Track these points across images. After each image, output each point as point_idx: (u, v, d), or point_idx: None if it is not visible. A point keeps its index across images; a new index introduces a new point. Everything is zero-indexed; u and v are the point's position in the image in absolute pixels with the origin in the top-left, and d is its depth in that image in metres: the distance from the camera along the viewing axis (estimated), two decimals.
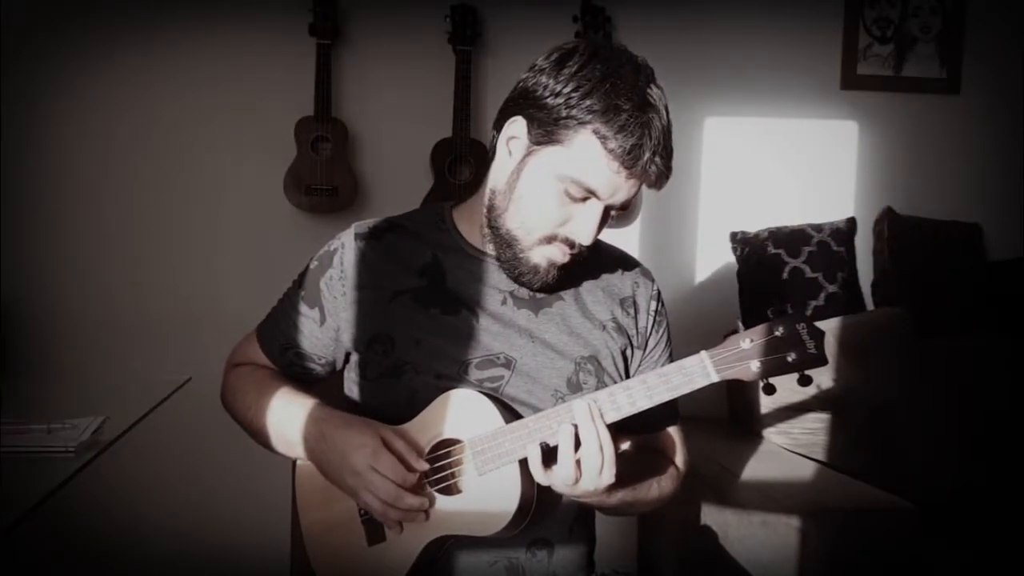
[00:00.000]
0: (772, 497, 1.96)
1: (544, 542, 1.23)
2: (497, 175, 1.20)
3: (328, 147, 2.52)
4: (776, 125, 2.76)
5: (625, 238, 2.69)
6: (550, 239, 1.16)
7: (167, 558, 2.47)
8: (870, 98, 2.78)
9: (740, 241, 2.63)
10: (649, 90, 1.12)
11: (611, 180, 1.11)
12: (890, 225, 2.70)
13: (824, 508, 1.92)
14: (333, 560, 1.26)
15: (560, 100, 1.11)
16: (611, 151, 1.09)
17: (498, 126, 1.20)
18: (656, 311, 1.32)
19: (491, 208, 1.20)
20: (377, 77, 2.61)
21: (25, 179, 2.50)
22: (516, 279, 1.21)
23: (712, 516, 2.04)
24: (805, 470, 2.18)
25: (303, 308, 1.27)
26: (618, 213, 1.18)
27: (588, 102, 1.09)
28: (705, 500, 2.06)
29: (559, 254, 1.18)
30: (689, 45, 2.70)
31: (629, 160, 1.09)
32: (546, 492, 1.14)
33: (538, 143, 1.14)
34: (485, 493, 1.14)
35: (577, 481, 1.08)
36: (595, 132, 1.09)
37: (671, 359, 1.33)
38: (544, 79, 1.13)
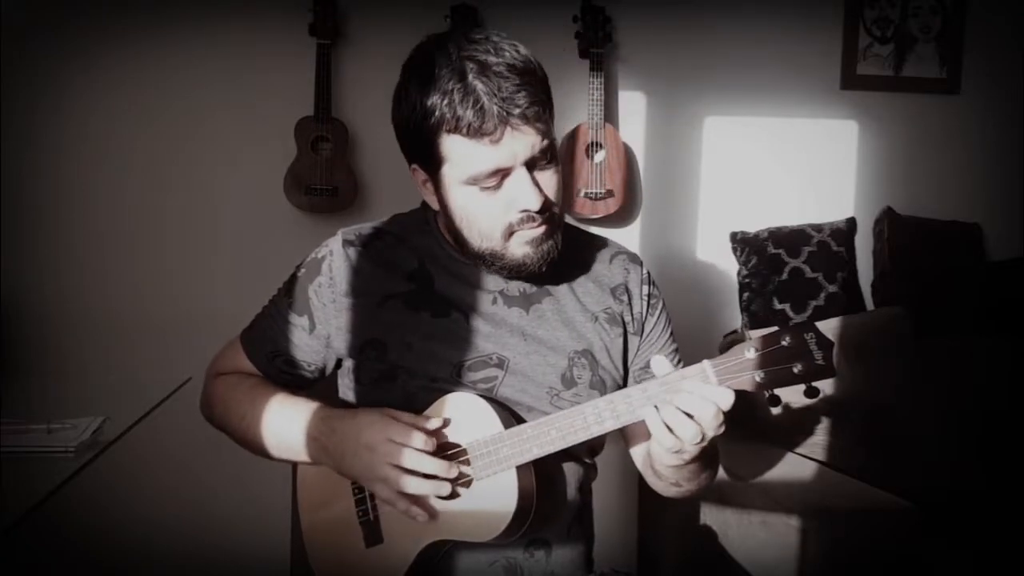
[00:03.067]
0: (772, 497, 1.96)
1: (542, 542, 1.22)
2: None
3: (328, 147, 2.52)
4: (776, 125, 2.76)
5: (625, 238, 2.69)
6: (511, 229, 1.16)
7: (167, 558, 2.47)
8: (870, 98, 2.77)
9: (740, 241, 2.64)
10: (462, 53, 1.10)
11: (495, 152, 1.10)
12: (890, 225, 2.70)
13: (824, 508, 1.93)
14: (332, 561, 1.26)
15: (413, 128, 1.14)
16: (470, 133, 1.09)
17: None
18: (649, 294, 1.30)
19: (452, 232, 1.21)
20: (377, 77, 2.58)
21: (25, 179, 2.50)
22: (514, 277, 1.21)
23: (712, 516, 2.04)
24: (805, 470, 2.18)
25: (292, 316, 1.27)
26: (548, 163, 1.14)
27: (425, 111, 1.11)
28: (705, 500, 2.06)
29: (531, 231, 1.16)
30: (689, 45, 2.70)
31: (487, 126, 1.08)
32: (543, 496, 1.14)
33: (431, 172, 1.17)
34: (483, 498, 1.13)
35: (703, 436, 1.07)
36: (448, 130, 1.10)
37: (673, 339, 1.33)
38: (397, 117, 1.18)
